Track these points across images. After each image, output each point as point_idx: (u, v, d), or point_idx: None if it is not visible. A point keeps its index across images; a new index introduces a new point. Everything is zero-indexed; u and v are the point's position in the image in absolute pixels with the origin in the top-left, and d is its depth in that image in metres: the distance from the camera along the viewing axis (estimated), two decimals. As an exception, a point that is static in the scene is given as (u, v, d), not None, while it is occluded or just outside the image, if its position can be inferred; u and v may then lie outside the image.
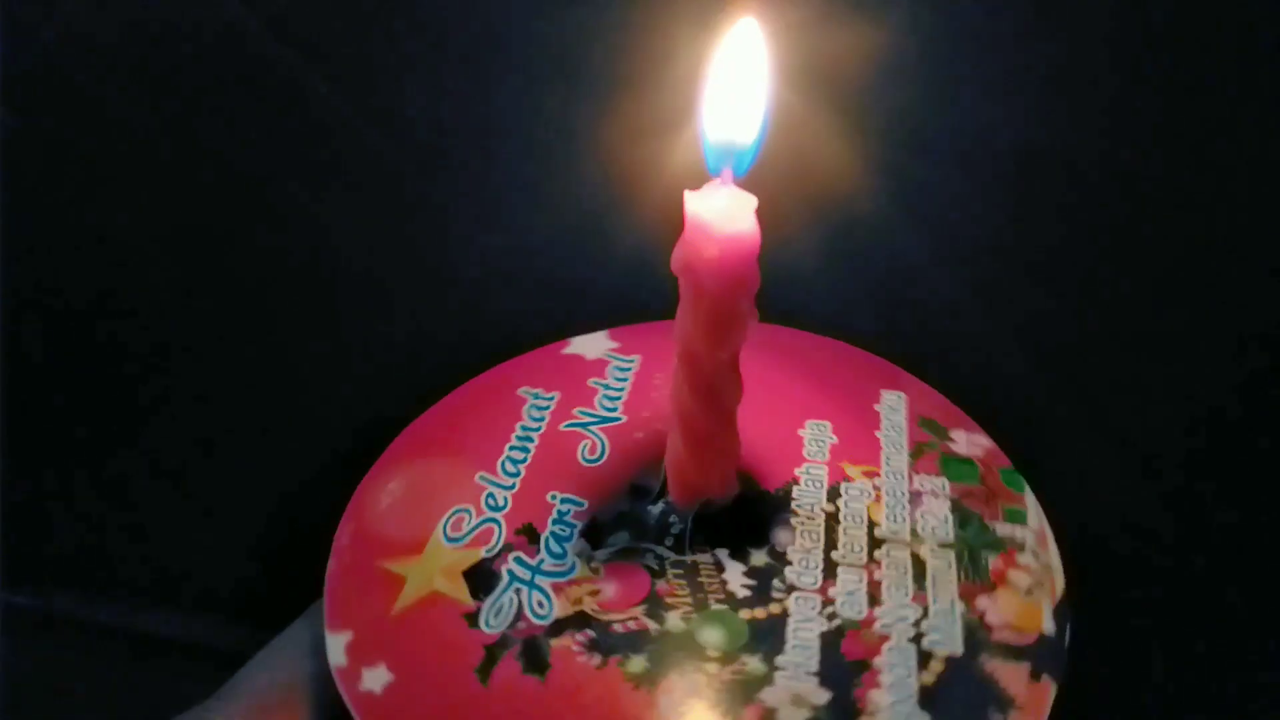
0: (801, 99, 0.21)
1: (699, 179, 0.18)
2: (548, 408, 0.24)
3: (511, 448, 0.23)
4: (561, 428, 0.24)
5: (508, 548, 0.21)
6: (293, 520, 0.34)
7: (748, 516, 0.21)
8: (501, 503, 0.22)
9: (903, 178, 0.24)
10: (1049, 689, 0.18)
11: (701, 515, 0.21)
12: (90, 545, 0.36)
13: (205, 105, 0.28)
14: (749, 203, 0.17)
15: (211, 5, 0.26)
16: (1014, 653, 0.18)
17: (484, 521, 0.21)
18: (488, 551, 0.21)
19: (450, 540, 0.21)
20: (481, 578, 0.20)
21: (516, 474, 0.22)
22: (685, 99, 0.17)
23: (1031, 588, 0.20)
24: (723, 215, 0.17)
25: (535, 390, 0.25)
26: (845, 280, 0.26)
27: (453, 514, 0.21)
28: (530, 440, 0.23)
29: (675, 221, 0.18)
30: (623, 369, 0.25)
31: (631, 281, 0.26)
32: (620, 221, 0.26)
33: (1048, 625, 0.19)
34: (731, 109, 0.17)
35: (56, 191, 0.30)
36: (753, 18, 0.16)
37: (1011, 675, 0.18)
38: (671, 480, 0.21)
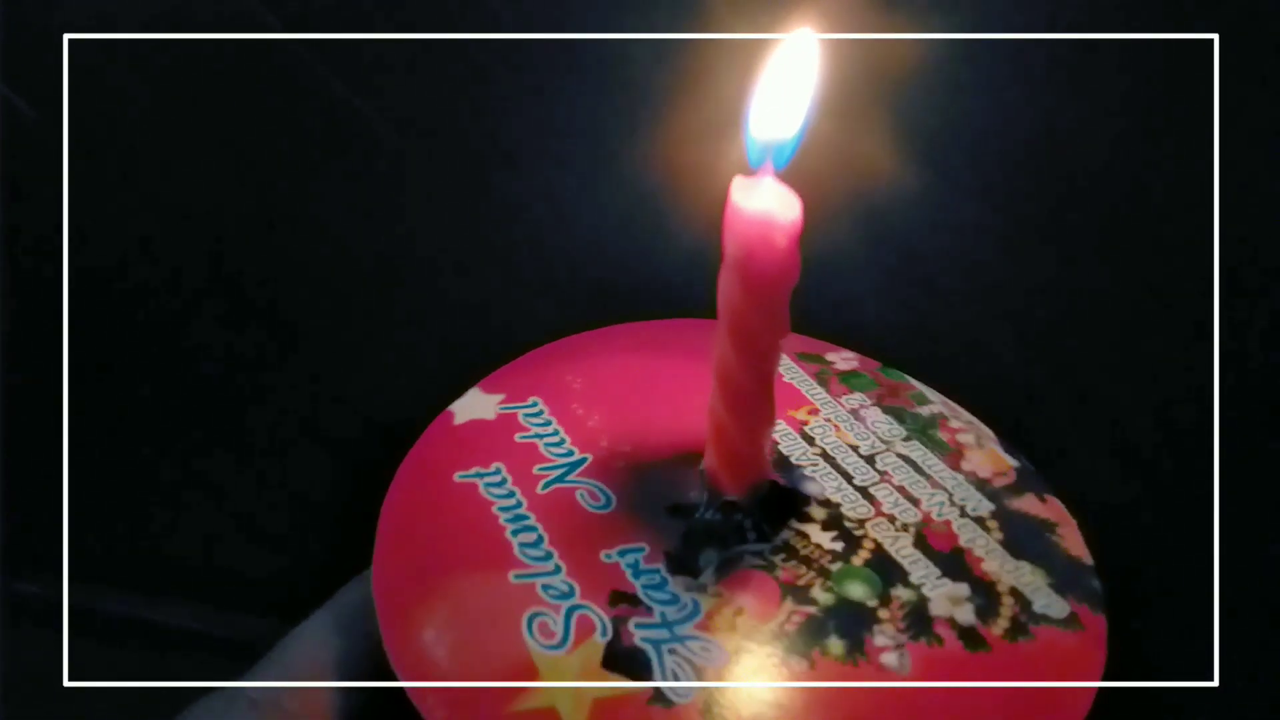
0: (838, 96, 0.21)
1: (725, 177, 0.18)
2: (504, 481, 0.22)
3: (514, 533, 0.21)
4: (540, 490, 0.22)
5: (620, 621, 0.19)
6: (308, 512, 0.34)
7: (780, 485, 0.22)
8: (566, 589, 0.20)
9: (924, 174, 0.26)
10: (1059, 505, 0.22)
11: (761, 499, 0.21)
12: (95, 537, 0.36)
13: (222, 101, 0.28)
14: (788, 191, 0.18)
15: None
16: (1015, 490, 0.23)
17: (570, 612, 0.19)
18: (602, 636, 0.19)
19: (552, 648, 0.18)
20: (625, 660, 0.18)
21: (547, 555, 0.20)
22: (729, 106, 0.17)
23: (978, 440, 0.24)
24: (779, 205, 0.18)
25: (473, 470, 0.22)
26: (860, 274, 0.27)
27: (529, 622, 0.19)
28: (524, 518, 0.21)
29: (700, 219, 0.18)
30: (533, 415, 0.24)
31: (666, 279, 0.26)
32: (653, 221, 0.25)
33: (1010, 461, 0.24)
34: (777, 105, 0.17)
35: (70, 184, 0.30)
36: (808, 27, 0.17)
37: (1030, 504, 0.22)
38: (726, 476, 0.21)
